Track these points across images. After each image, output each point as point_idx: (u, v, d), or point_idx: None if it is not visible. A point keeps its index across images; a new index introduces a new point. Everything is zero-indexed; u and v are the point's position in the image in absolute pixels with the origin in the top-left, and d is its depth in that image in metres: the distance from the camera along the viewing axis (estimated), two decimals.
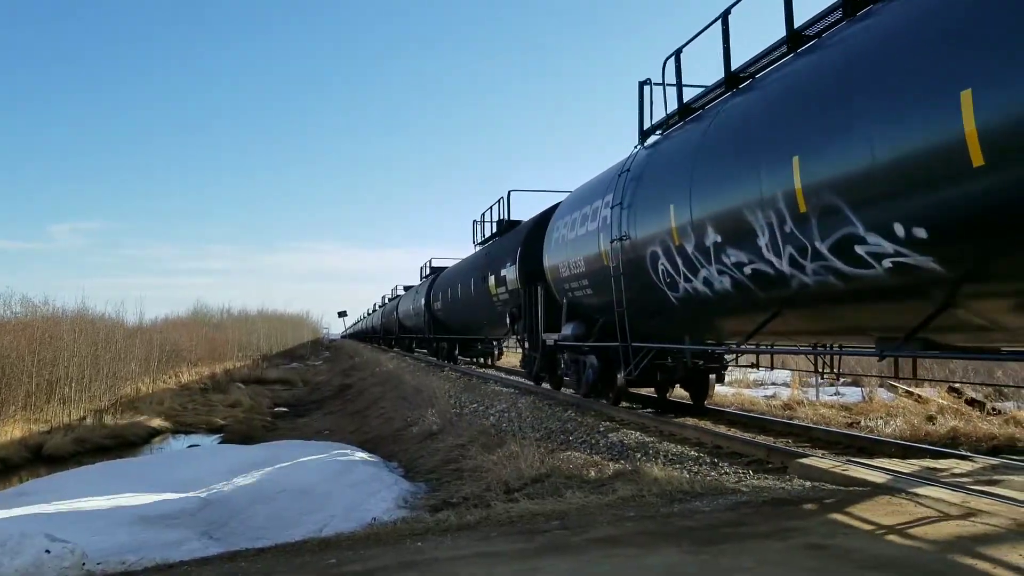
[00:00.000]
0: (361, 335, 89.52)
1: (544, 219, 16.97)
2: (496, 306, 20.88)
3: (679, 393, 14.54)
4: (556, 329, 14.90)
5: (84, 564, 6.23)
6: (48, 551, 6.20)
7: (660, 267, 10.09)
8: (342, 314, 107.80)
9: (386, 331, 57.59)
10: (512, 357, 36.40)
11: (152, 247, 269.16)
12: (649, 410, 13.54)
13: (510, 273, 18.89)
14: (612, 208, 11.53)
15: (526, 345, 17.74)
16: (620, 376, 12.46)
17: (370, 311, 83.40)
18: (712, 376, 13.19)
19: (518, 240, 18.80)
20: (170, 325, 50.47)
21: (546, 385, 17.36)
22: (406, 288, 49.29)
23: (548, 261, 15.26)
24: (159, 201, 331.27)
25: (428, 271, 39.63)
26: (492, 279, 20.88)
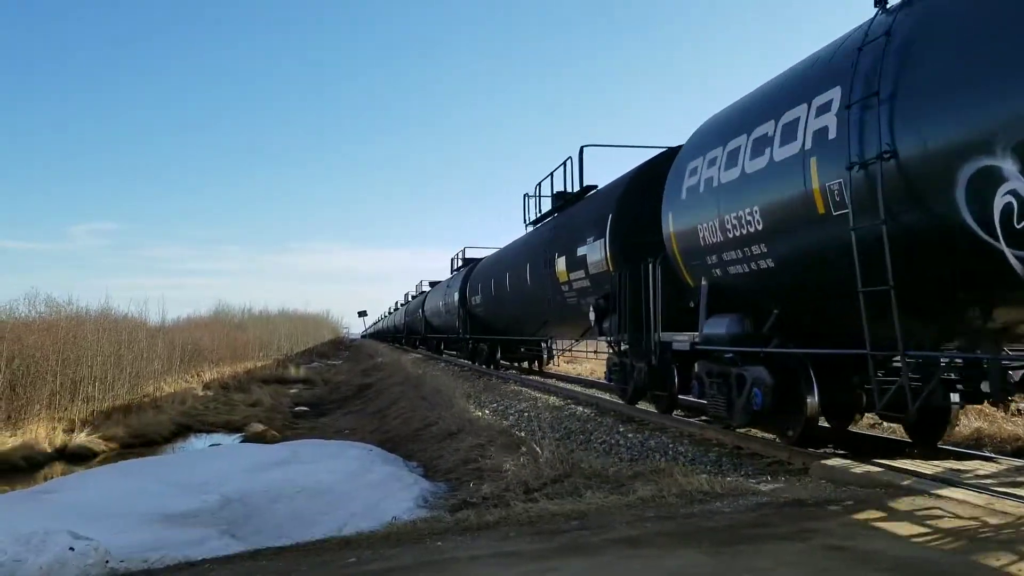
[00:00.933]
0: (382, 335, 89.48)
1: (653, 169, 12.56)
2: (567, 297, 16.32)
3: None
4: (684, 326, 10.72)
5: (107, 562, 6.29)
6: (72, 548, 6.27)
7: (1000, 198, 5.33)
8: (362, 314, 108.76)
9: (410, 330, 53.34)
10: (575, 364, 30.79)
11: (165, 248, 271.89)
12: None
13: (594, 252, 14.17)
14: (847, 109, 6.86)
15: (620, 348, 13.05)
16: (812, 401, 8.36)
17: (392, 309, 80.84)
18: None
19: (609, 203, 13.88)
20: (192, 325, 50.85)
21: (645, 405, 13.14)
22: (432, 284, 45.18)
23: (674, 224, 10.54)
24: (171, 202, 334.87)
25: (460, 262, 35.95)
26: (562, 262, 16.21)
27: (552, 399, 16.30)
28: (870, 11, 7.23)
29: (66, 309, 28.80)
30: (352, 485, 11.32)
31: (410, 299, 58.85)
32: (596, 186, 16.62)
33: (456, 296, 30.56)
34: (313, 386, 42.87)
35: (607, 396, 15.54)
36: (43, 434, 21.67)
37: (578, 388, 19.13)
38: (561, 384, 20.45)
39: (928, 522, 5.14)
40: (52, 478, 16.02)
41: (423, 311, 43.78)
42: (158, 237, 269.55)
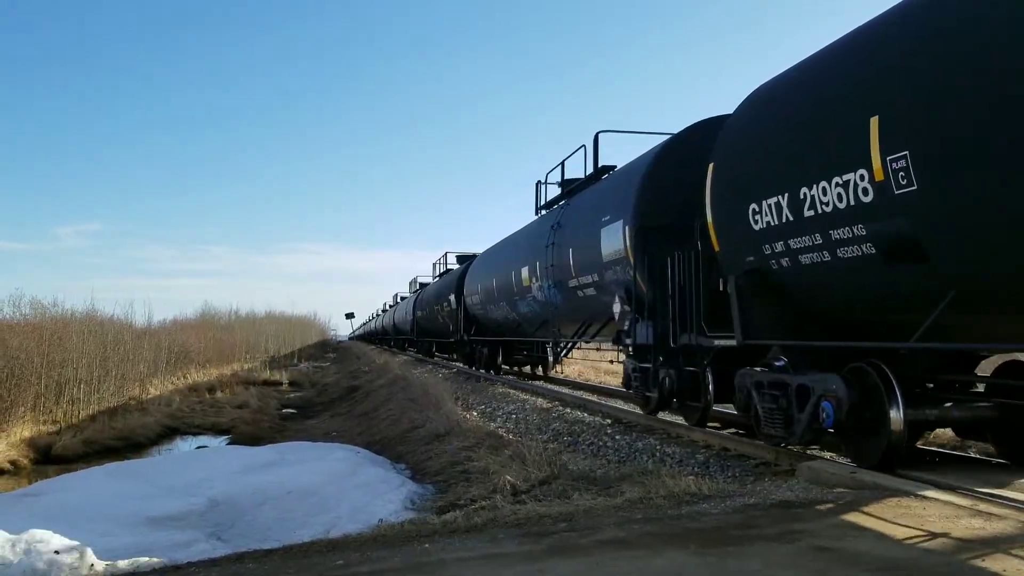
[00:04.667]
0: (372, 337, 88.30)
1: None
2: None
3: None
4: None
5: (92, 565, 6.25)
6: (57, 552, 6.23)
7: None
8: (349, 316, 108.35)
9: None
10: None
11: (151, 248, 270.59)
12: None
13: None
14: None
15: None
16: None
17: (389, 305, 70.16)
18: None
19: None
20: (179, 327, 50.58)
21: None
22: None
23: None
24: (158, 202, 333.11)
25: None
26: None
27: None
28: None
29: (51, 311, 28.64)
30: (340, 487, 11.30)
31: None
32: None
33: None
34: (300, 388, 42.76)
35: None
36: (28, 436, 21.55)
37: None
38: None
39: (915, 523, 5.16)
40: (37, 481, 15.90)
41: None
42: (144, 238, 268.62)
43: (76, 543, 6.56)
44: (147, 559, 7.10)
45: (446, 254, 35.39)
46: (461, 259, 31.93)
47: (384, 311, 73.62)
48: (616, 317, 12.26)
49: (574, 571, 4.45)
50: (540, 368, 24.26)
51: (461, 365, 28.49)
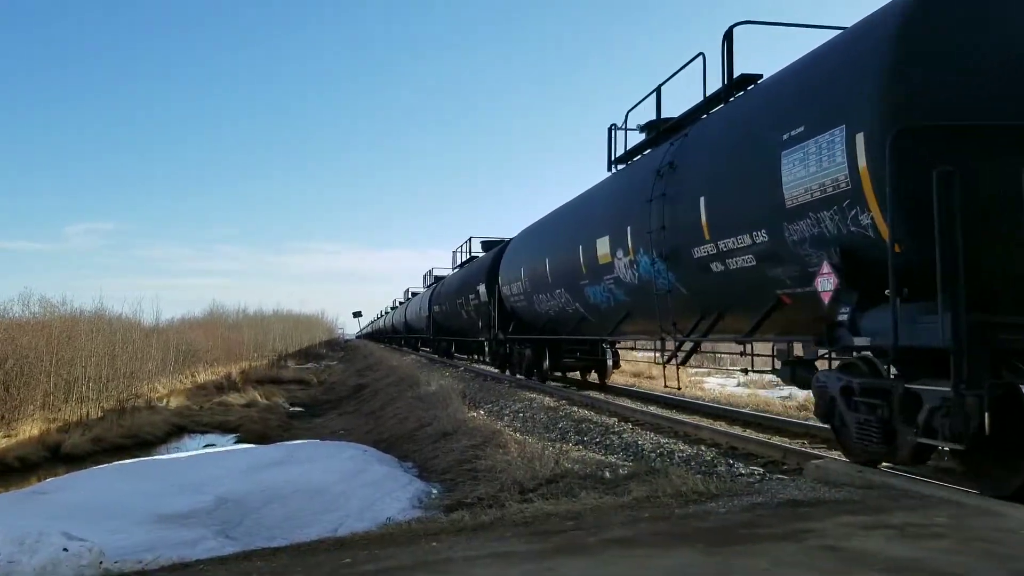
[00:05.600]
0: (380, 335, 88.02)
1: None
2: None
3: None
4: None
5: (101, 562, 6.26)
6: (66, 549, 6.24)
7: None
8: (357, 314, 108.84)
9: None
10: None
11: (164, 248, 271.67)
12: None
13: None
14: None
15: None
16: None
17: (399, 301, 64.25)
18: None
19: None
20: (187, 325, 50.75)
21: None
22: (488, 245, 26.83)
23: None
24: (171, 203, 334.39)
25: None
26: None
27: None
28: None
29: (60, 309, 28.80)
30: (347, 486, 11.32)
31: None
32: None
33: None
34: (308, 386, 42.84)
35: None
36: (37, 434, 21.67)
37: None
38: None
39: (924, 523, 5.14)
40: (46, 479, 15.97)
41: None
42: (154, 237, 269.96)
43: (84, 540, 6.57)
44: (155, 556, 7.12)
45: (470, 239, 29.41)
46: (488, 245, 26.60)
47: (394, 307, 72.68)
48: (825, 300, 7.17)
49: (581, 570, 4.44)
50: (594, 374, 19.97)
51: (489, 368, 24.49)
